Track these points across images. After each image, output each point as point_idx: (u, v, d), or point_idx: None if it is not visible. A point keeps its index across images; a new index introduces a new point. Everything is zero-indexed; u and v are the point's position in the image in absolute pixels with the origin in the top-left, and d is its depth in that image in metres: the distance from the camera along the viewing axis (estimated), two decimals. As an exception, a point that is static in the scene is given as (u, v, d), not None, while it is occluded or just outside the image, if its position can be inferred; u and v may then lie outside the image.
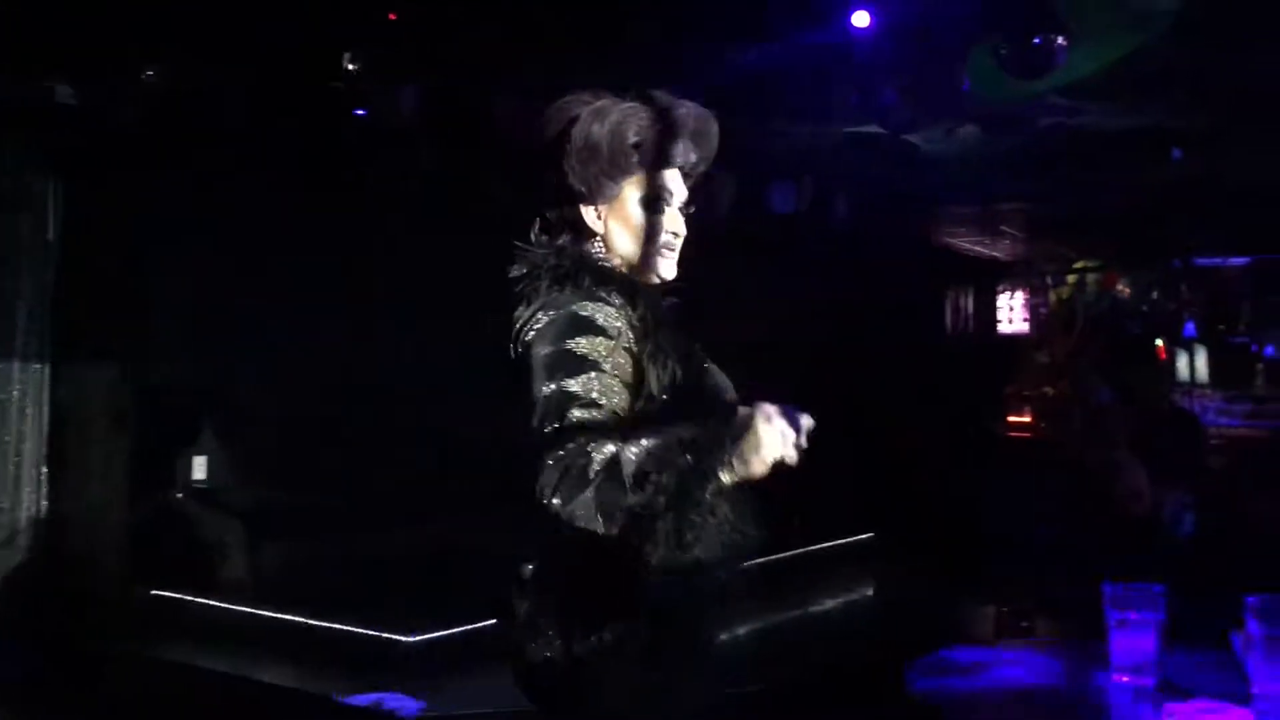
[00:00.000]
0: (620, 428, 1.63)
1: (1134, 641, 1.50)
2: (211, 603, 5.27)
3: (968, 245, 10.36)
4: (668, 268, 1.94)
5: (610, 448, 1.54)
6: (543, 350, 1.73)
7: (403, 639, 4.61)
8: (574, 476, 1.54)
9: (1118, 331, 10.88)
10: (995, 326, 11.34)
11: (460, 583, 5.15)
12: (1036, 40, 4.44)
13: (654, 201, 1.91)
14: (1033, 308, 11.45)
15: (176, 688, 4.41)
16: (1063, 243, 10.44)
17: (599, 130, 1.86)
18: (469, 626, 4.63)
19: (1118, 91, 5.58)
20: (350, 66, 4.92)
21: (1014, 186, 7.84)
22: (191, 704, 4.21)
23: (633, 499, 1.51)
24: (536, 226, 1.93)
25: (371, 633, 4.71)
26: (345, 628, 4.78)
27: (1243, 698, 1.36)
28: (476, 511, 5.46)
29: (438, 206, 5.98)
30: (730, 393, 1.86)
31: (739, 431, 1.50)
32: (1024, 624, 2.25)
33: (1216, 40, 4.92)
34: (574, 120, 1.88)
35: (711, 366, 1.89)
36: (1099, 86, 5.35)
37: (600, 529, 1.53)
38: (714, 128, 1.98)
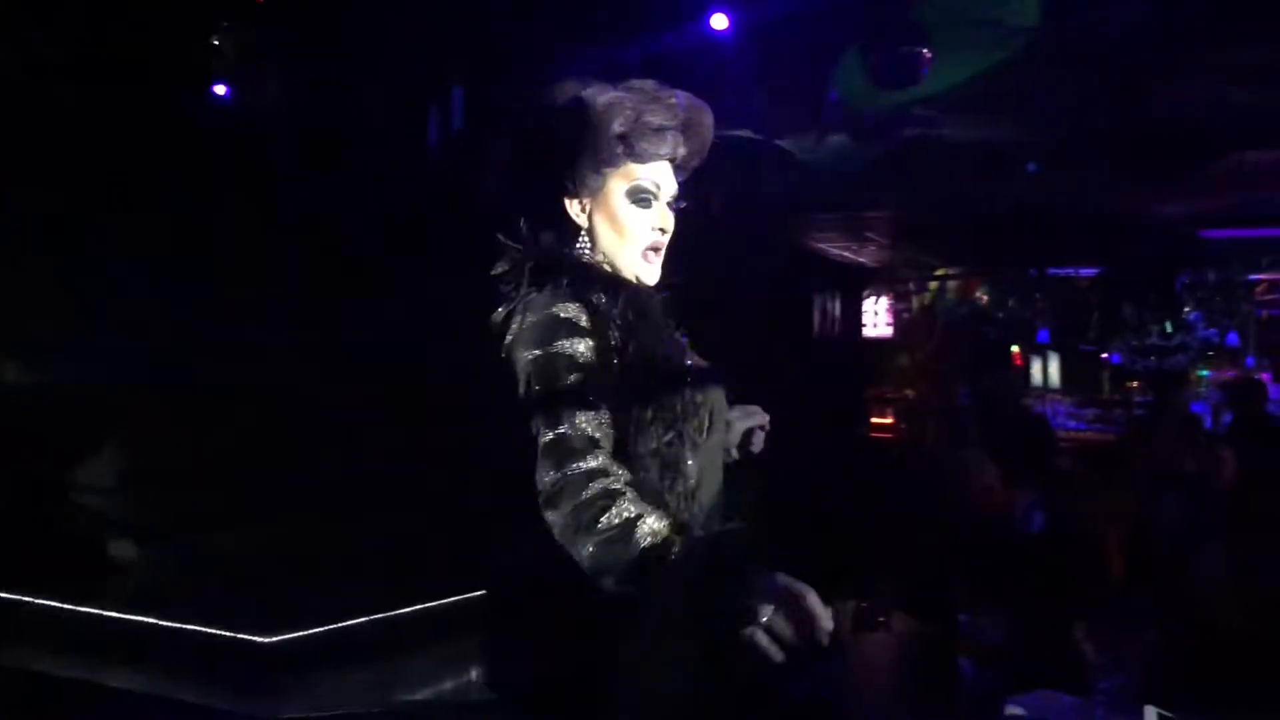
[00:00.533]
0: (615, 446, 1.64)
1: (982, 632, 1.55)
2: (54, 604, 5.02)
3: (835, 251, 10.60)
4: (650, 274, 1.86)
5: (631, 508, 1.53)
6: (527, 355, 1.69)
7: (260, 639, 4.48)
8: (585, 520, 1.53)
9: (975, 337, 11.27)
10: (860, 330, 11.63)
11: (316, 582, 5.09)
12: (903, 52, 4.57)
13: (640, 195, 1.83)
14: (896, 312, 11.78)
15: (16, 695, 4.20)
16: (925, 250, 10.77)
17: (582, 118, 1.78)
18: (327, 627, 4.53)
19: (979, 104, 5.78)
20: (214, 43, 4.75)
21: (880, 194, 8.05)
22: (33, 711, 4.01)
23: (629, 570, 1.50)
24: (523, 221, 1.84)
25: (227, 634, 4.56)
26: (199, 628, 4.62)
27: (1084, 688, 1.41)
28: (331, 509, 5.36)
29: (292, 196, 5.82)
30: (716, 391, 1.82)
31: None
32: (880, 618, 2.29)
33: (1070, 58, 5.14)
34: (558, 108, 1.81)
35: (698, 364, 1.83)
36: (962, 99, 5.54)
37: (587, 571, 1.53)
38: (707, 119, 1.90)
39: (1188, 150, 6.50)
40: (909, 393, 10.05)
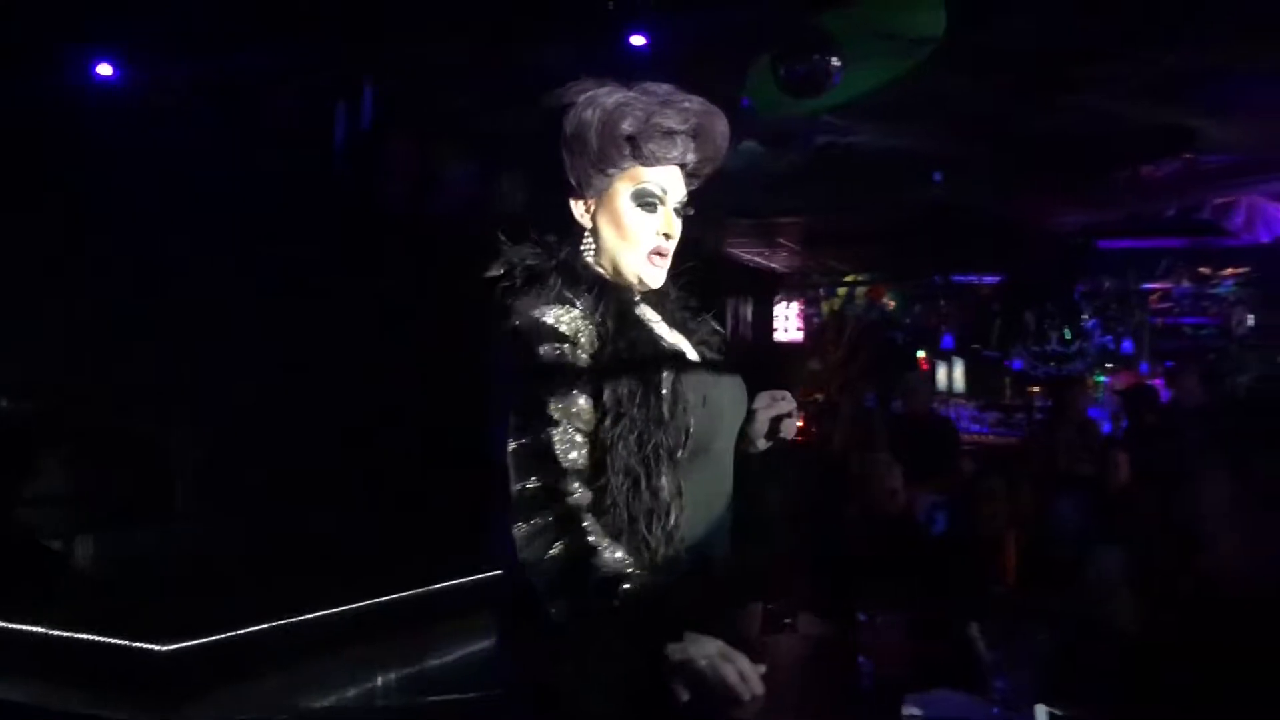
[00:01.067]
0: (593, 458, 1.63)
1: (882, 634, 1.57)
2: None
3: (747, 256, 10.69)
4: (655, 277, 1.83)
5: (586, 539, 1.54)
6: (508, 361, 1.68)
7: (156, 648, 4.35)
8: (538, 545, 1.54)
9: (883, 342, 11.46)
10: (772, 334, 11.75)
11: (214, 589, 4.96)
12: (812, 61, 4.62)
13: (645, 199, 1.79)
14: (806, 317, 11.92)
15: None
16: (835, 256, 10.91)
17: (590, 118, 1.74)
18: (224, 635, 4.42)
19: (886, 114, 5.87)
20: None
21: (790, 201, 8.14)
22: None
23: (577, 600, 1.52)
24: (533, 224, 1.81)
25: (121, 642, 4.42)
26: (92, 638, 4.47)
27: (980, 687, 1.44)
28: (226, 516, 5.24)
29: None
30: (709, 407, 1.74)
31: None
32: (786, 620, 2.32)
33: (974, 70, 5.26)
34: (568, 107, 1.76)
35: (693, 375, 1.76)
36: (870, 108, 5.62)
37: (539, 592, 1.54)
38: (720, 126, 1.87)
39: (1085, 162, 6.69)
40: (818, 396, 10.16)
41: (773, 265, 11.06)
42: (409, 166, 6.21)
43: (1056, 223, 8.33)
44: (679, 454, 1.68)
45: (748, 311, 11.42)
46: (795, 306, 11.90)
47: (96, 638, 4.44)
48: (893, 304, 11.70)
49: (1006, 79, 5.34)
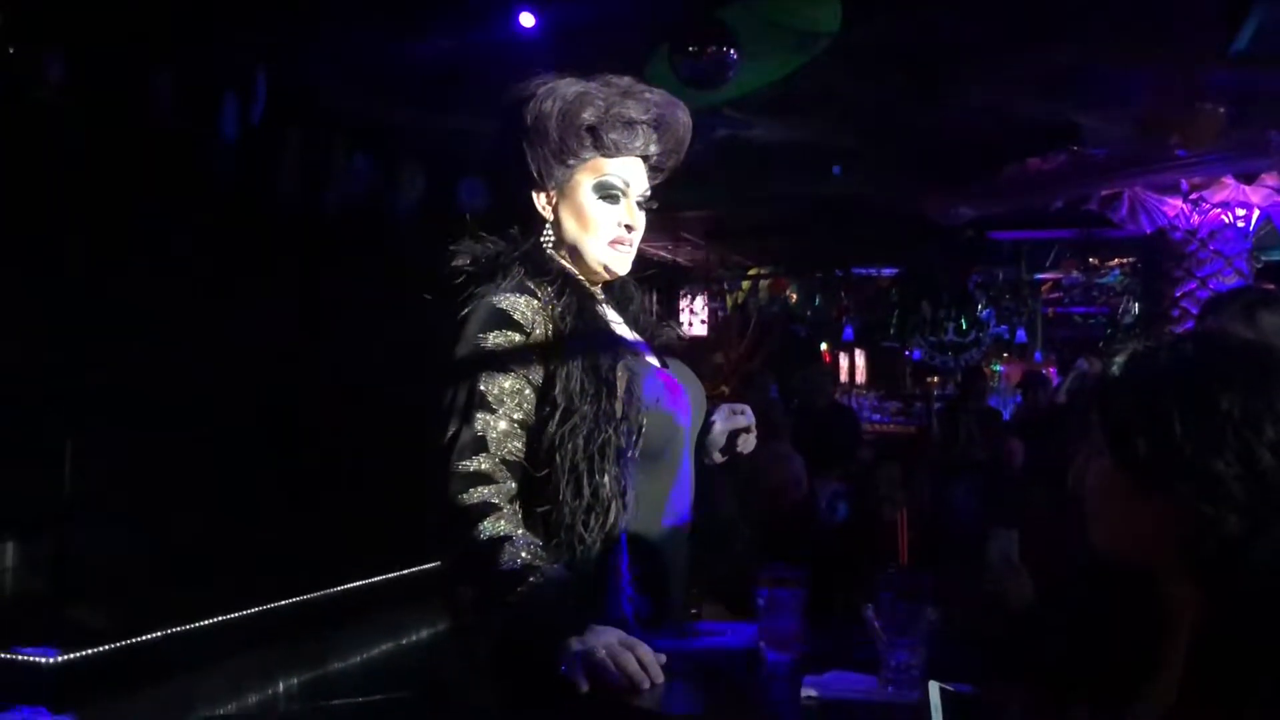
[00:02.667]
0: (524, 463, 1.62)
1: (778, 618, 1.58)
2: None
3: (651, 250, 10.72)
4: (620, 263, 1.81)
5: (502, 526, 1.54)
6: (457, 347, 1.66)
7: (42, 660, 4.20)
8: (457, 529, 1.55)
9: (785, 334, 11.61)
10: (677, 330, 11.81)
11: (96, 597, 4.82)
12: (709, 54, 4.65)
13: (607, 190, 1.77)
14: (710, 311, 12.01)
15: None
16: (737, 250, 11.02)
17: (549, 109, 1.72)
18: (111, 645, 4.30)
19: (785, 108, 5.95)
20: None
21: (692, 195, 8.19)
22: None
23: (484, 587, 1.54)
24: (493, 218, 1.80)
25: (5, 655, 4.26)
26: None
27: (873, 666, 1.46)
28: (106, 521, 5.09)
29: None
30: (664, 406, 1.72)
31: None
32: (693, 610, 2.33)
33: (869, 65, 5.36)
34: (528, 99, 1.74)
35: (650, 377, 1.72)
36: (768, 102, 5.69)
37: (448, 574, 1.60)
38: (683, 117, 1.86)
39: (976, 156, 6.86)
40: (723, 389, 10.26)
41: (676, 259, 11.12)
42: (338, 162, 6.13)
43: (950, 214, 8.52)
44: (629, 454, 1.66)
45: (652, 306, 11.46)
46: (700, 300, 11.99)
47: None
48: (795, 297, 11.85)
49: (900, 74, 5.44)
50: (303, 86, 5.56)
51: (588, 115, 1.74)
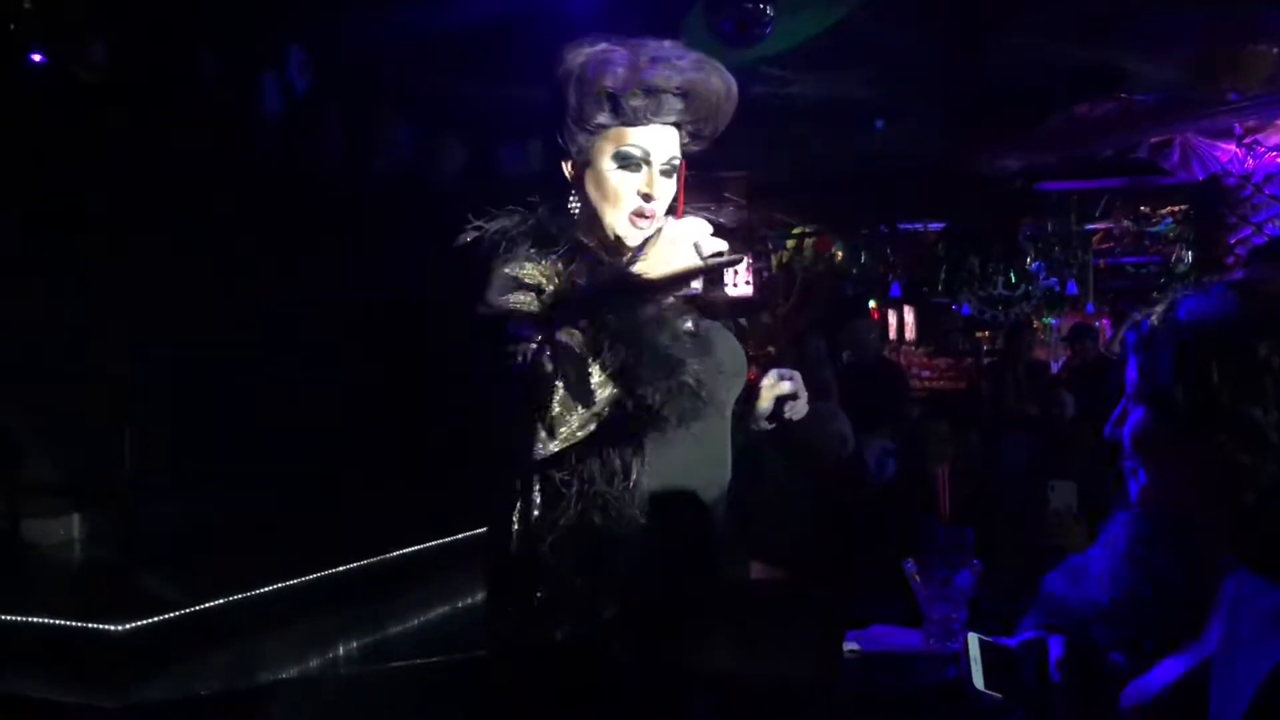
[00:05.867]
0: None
1: (828, 573, 1.60)
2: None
3: (693, 211, 10.67)
4: (638, 233, 1.75)
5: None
6: (473, 313, 1.65)
7: (111, 628, 4.33)
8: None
9: (832, 292, 11.51)
10: (722, 289, 11.76)
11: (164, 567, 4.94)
12: (747, 10, 4.60)
13: (626, 159, 1.73)
14: (756, 271, 11.94)
15: None
16: (781, 209, 10.92)
17: (571, 75, 1.70)
18: (179, 613, 4.42)
19: (824, 62, 5.87)
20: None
21: (734, 154, 8.12)
22: None
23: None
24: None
25: (76, 624, 4.38)
26: (46, 620, 4.43)
27: (914, 621, 1.47)
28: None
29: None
30: (689, 375, 1.61)
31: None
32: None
33: (909, 15, 5.27)
34: (557, 64, 1.73)
35: (667, 344, 1.61)
36: (807, 57, 5.62)
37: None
38: (716, 83, 1.78)
39: (1023, 105, 6.74)
40: (769, 349, 10.23)
41: (720, 220, 11.06)
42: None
43: (997, 166, 8.39)
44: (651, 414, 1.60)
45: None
46: (744, 261, 11.90)
47: (51, 621, 4.41)
48: (840, 255, 11.74)
49: (941, 25, 5.35)
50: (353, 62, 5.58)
51: (607, 81, 1.69)
